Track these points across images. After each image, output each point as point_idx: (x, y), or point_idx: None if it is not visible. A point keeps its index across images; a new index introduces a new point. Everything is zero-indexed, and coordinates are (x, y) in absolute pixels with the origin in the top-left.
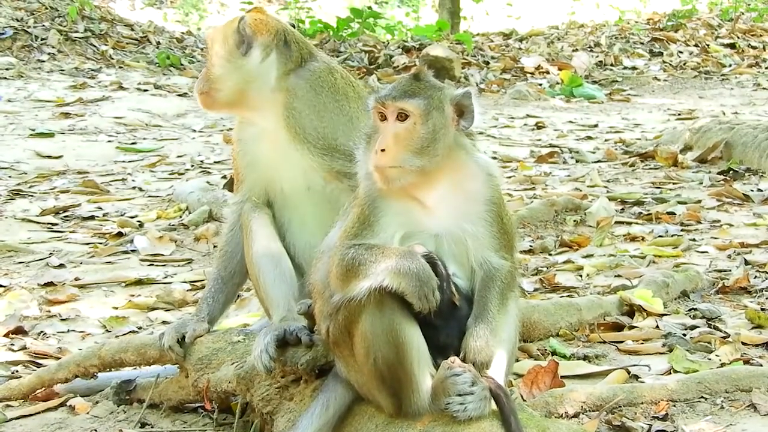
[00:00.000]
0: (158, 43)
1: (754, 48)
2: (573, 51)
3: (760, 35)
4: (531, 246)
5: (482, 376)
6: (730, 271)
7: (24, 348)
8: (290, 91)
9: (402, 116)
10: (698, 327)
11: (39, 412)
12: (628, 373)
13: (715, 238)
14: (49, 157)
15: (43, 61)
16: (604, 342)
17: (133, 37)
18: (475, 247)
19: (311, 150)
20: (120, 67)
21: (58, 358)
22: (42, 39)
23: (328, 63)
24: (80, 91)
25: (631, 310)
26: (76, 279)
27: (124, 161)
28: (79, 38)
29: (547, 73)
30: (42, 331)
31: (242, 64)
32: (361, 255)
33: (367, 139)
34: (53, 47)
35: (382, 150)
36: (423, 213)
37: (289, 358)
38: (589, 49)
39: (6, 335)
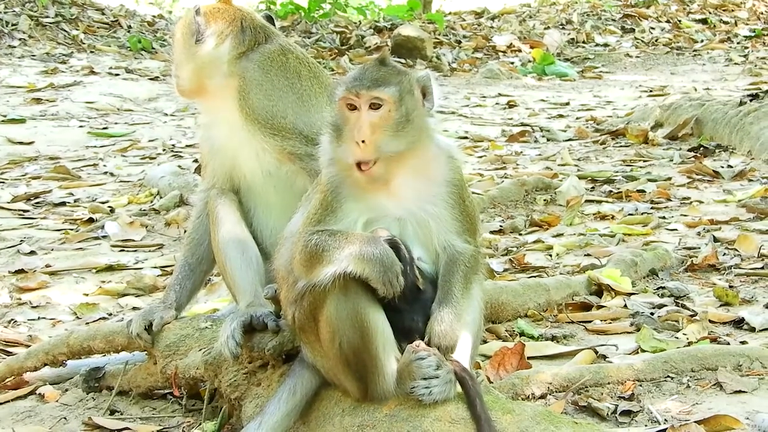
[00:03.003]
0: (129, 27)
1: (725, 23)
2: (545, 29)
3: (732, 10)
4: (501, 226)
5: (447, 359)
6: (699, 248)
7: None
8: (240, 74)
9: (375, 105)
10: (666, 305)
11: (9, 401)
12: (596, 353)
13: (685, 215)
14: (21, 143)
15: (14, 47)
16: (573, 322)
17: (104, 21)
18: (438, 229)
19: (262, 131)
20: (91, 52)
21: (29, 346)
22: (13, 24)
23: (283, 45)
24: (51, 77)
25: (600, 289)
26: (47, 266)
27: (95, 146)
28: (50, 23)
29: (519, 51)
30: (12, 319)
31: (195, 52)
32: (324, 241)
33: (334, 128)
34: (24, 33)
35: (362, 141)
36: (386, 197)
37: (256, 343)
38: (560, 27)
39: None
